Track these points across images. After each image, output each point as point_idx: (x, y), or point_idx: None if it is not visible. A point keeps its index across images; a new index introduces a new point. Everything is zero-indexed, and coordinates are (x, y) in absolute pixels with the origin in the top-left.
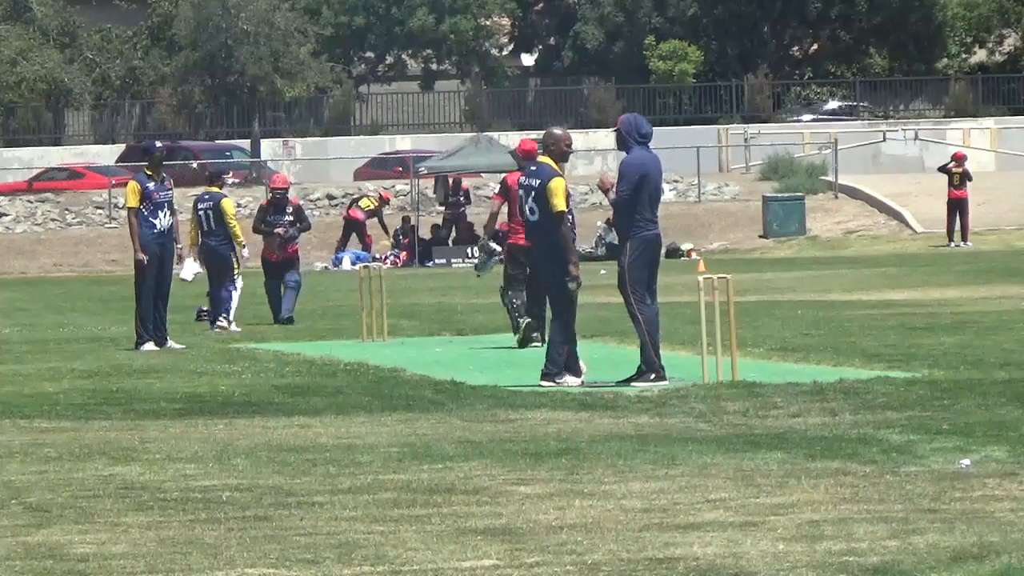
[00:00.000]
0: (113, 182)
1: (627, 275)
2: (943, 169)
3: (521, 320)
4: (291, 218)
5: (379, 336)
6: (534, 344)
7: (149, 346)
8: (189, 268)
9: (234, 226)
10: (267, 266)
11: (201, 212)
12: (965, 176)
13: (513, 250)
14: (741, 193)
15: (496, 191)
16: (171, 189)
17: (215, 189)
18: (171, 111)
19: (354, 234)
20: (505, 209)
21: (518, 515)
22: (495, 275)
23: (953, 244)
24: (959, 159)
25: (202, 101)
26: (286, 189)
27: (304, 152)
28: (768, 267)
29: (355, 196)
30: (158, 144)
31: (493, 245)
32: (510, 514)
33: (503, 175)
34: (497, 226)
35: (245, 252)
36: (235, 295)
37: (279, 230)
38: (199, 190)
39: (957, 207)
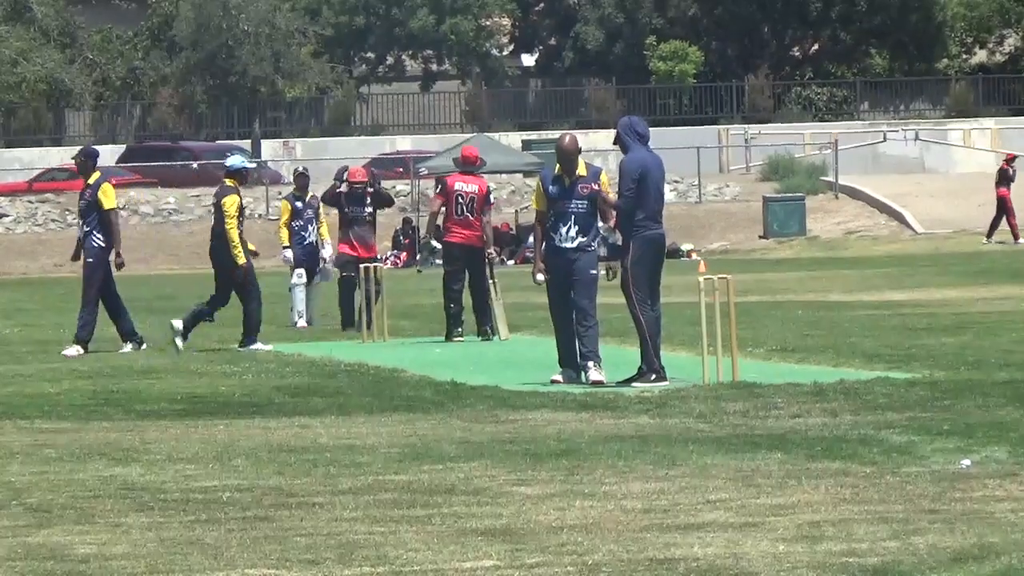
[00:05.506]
0: (114, 182)
1: (628, 275)
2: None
3: (453, 332)
4: (370, 209)
5: (379, 336)
6: (457, 339)
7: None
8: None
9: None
10: (351, 261)
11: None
12: (1003, 175)
13: (449, 248)
14: (741, 194)
15: (438, 191)
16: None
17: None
18: (172, 111)
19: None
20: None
21: (518, 516)
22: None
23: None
24: (1008, 159)
25: (203, 101)
26: (365, 183)
27: (305, 152)
28: (768, 268)
29: None
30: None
31: (435, 243)
32: (510, 515)
33: (503, 175)
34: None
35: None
36: None
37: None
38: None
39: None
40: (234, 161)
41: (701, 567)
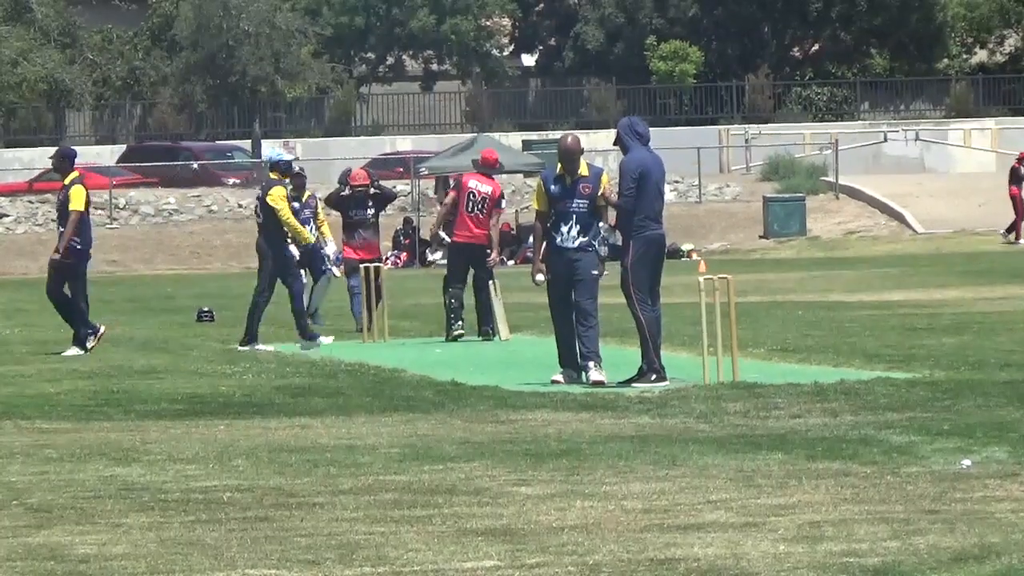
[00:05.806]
0: (114, 182)
1: (629, 275)
2: None
3: (453, 325)
4: (373, 211)
5: (379, 336)
6: (458, 332)
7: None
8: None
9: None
10: (356, 266)
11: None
12: (1015, 174)
13: (455, 247)
14: (742, 194)
15: (452, 186)
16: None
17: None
18: (172, 111)
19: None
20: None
21: (519, 516)
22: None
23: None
24: (1021, 157)
25: (203, 101)
26: (367, 186)
27: (305, 152)
28: (769, 268)
29: None
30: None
31: (443, 235)
32: (511, 515)
33: (503, 175)
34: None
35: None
36: None
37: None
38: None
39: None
40: (271, 153)
41: (701, 567)
